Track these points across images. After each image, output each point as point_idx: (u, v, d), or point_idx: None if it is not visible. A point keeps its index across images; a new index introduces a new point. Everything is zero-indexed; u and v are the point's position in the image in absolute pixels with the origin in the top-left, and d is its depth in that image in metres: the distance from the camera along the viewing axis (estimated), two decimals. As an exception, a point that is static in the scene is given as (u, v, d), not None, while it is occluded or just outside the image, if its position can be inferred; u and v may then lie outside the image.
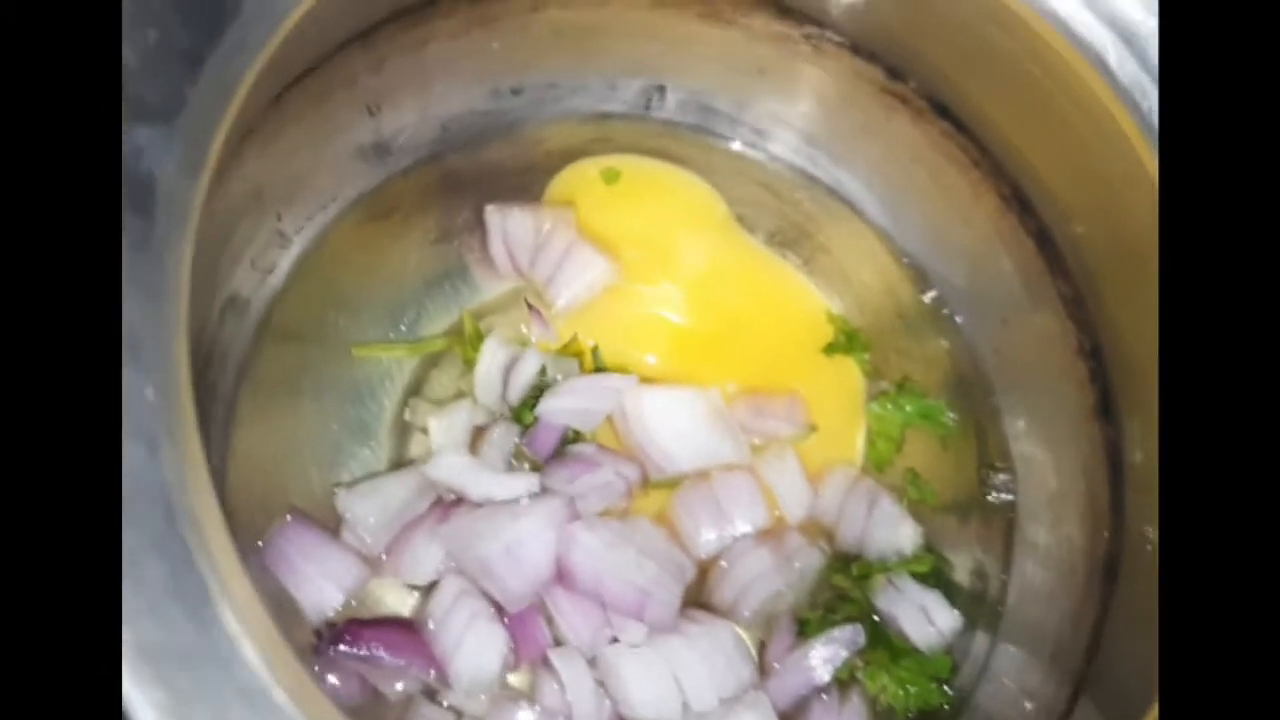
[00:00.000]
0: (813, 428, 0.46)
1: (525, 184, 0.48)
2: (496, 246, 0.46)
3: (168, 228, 0.26)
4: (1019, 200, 0.43)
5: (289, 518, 0.41)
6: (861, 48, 0.43)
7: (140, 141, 0.26)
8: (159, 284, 0.26)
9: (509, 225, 0.46)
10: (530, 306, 0.46)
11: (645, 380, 0.45)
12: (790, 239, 0.49)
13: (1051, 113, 0.37)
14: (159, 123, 0.26)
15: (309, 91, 0.40)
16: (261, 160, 0.39)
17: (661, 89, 0.48)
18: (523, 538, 0.40)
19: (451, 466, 0.42)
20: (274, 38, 0.29)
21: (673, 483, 0.44)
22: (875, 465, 0.46)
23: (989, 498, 0.47)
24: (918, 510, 0.46)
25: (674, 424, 0.44)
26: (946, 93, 0.43)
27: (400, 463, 0.45)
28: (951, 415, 0.47)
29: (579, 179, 0.48)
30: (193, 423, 0.27)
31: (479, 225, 0.47)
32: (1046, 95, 0.37)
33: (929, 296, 0.48)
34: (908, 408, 0.46)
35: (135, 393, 0.25)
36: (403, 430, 0.45)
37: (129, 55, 0.26)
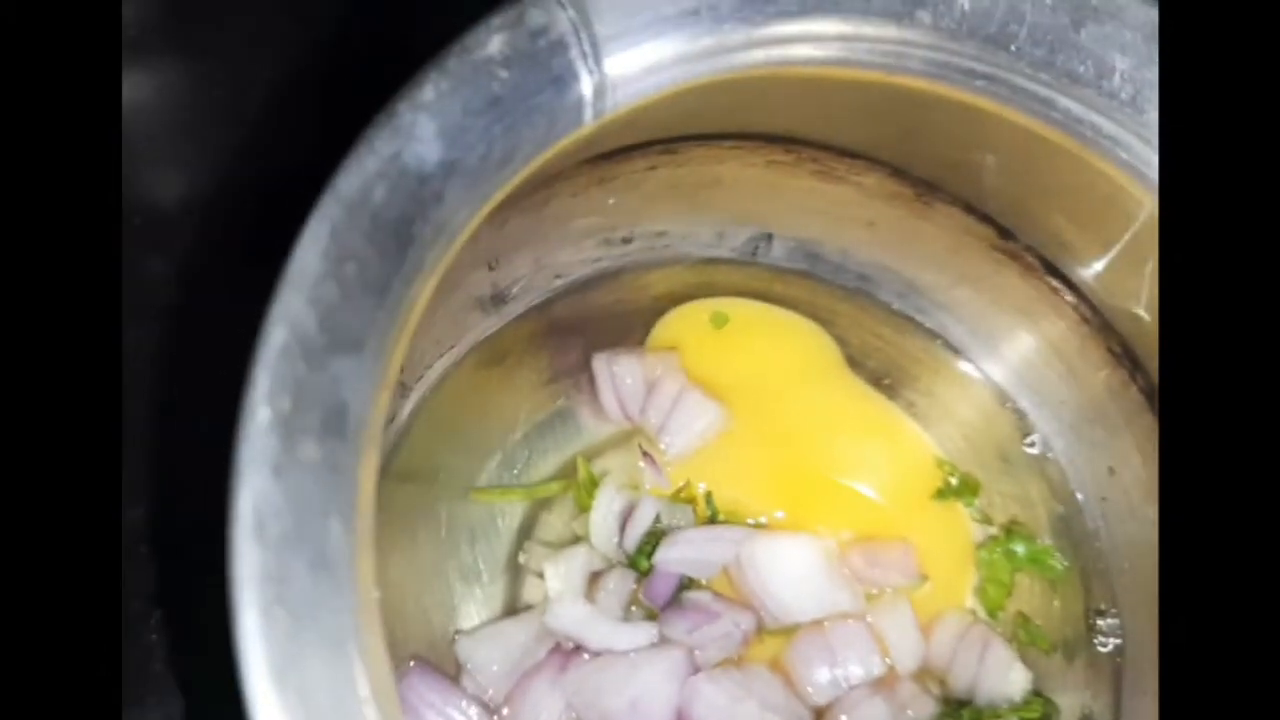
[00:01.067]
0: (925, 577, 0.46)
1: (631, 327, 0.49)
2: (606, 395, 0.47)
3: (359, 448, 0.28)
4: (1129, 358, 0.44)
5: (412, 664, 0.42)
6: (975, 208, 0.44)
7: (338, 372, 0.27)
8: (351, 505, 0.27)
9: (617, 373, 0.47)
10: (645, 454, 0.47)
11: (759, 527, 0.46)
12: (896, 382, 0.49)
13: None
14: (353, 351, 0.27)
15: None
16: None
17: (769, 237, 0.49)
18: (647, 691, 0.41)
19: (571, 616, 0.43)
20: (446, 258, 0.30)
21: (787, 630, 0.45)
22: (988, 611, 0.47)
23: (1096, 642, 0.47)
24: (1026, 654, 0.46)
25: (789, 573, 0.45)
26: (1057, 252, 0.44)
27: (514, 606, 0.45)
28: (1060, 559, 0.47)
29: (686, 322, 0.49)
30: (380, 641, 0.28)
31: (586, 368, 0.48)
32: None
33: (1033, 441, 0.49)
34: (1018, 551, 0.47)
35: (332, 610, 0.26)
36: (516, 573, 0.46)
37: (333, 289, 0.27)
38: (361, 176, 0.28)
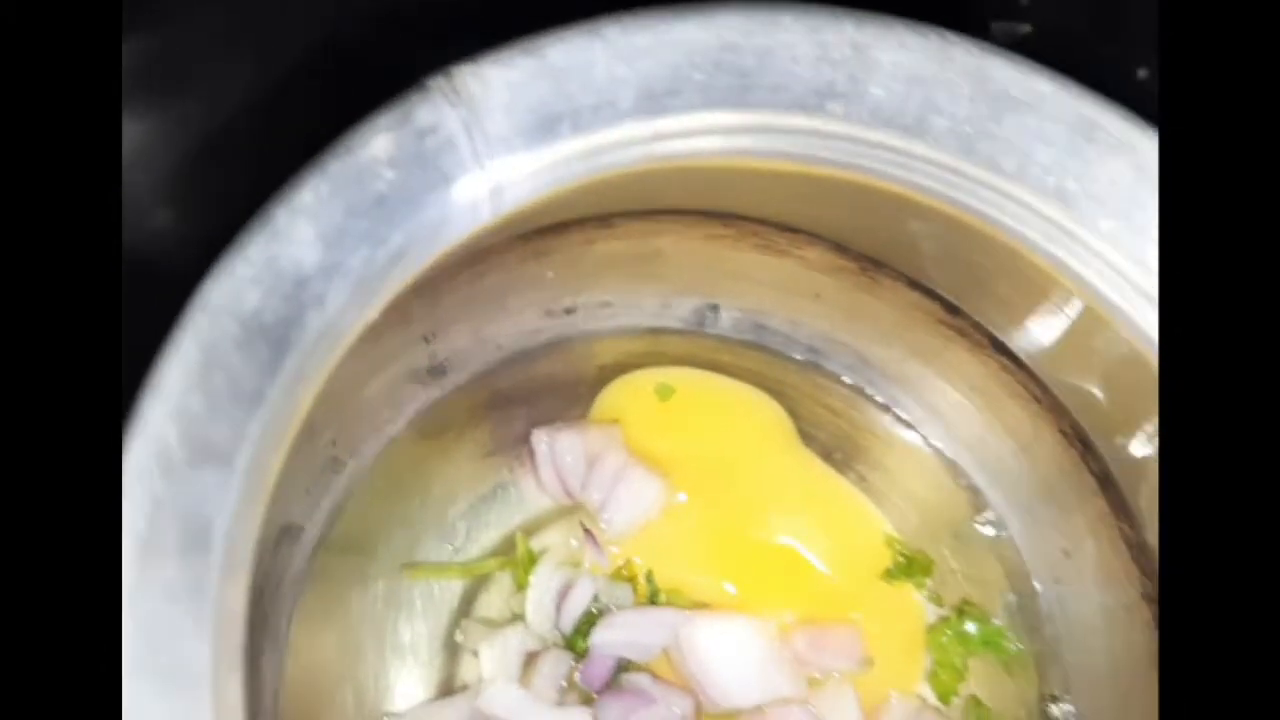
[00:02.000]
0: (870, 662, 0.45)
1: (577, 397, 0.48)
2: (546, 472, 0.46)
3: (225, 566, 0.27)
4: (1080, 440, 0.42)
5: (339, 752, 0.42)
6: (919, 284, 0.43)
7: (202, 487, 0.26)
8: (215, 623, 0.26)
9: (557, 449, 0.46)
10: (586, 532, 0.46)
11: (702, 605, 0.45)
12: (847, 455, 0.48)
13: (1112, 374, 0.37)
14: (220, 465, 0.27)
15: (364, 336, 0.41)
16: (317, 401, 0.40)
17: (715, 308, 0.48)
18: (576, 780, 0.40)
19: (504, 701, 0.42)
20: (331, 361, 0.29)
21: (727, 716, 0.44)
22: (940, 696, 0.45)
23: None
24: (983, 741, 0.45)
25: (730, 657, 0.44)
26: (1004, 330, 0.42)
27: (450, 685, 0.44)
28: (1015, 640, 0.46)
29: (630, 393, 0.48)
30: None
31: (529, 440, 0.47)
32: (1105, 361, 0.37)
33: (985, 519, 0.48)
34: (970, 633, 0.46)
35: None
36: (453, 651, 0.45)
37: (196, 402, 0.26)
38: (232, 283, 0.27)
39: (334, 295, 0.29)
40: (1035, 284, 0.37)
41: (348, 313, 0.29)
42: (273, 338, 0.28)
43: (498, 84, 0.30)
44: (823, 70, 0.32)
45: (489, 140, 0.30)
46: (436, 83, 0.29)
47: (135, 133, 0.54)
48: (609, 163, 0.32)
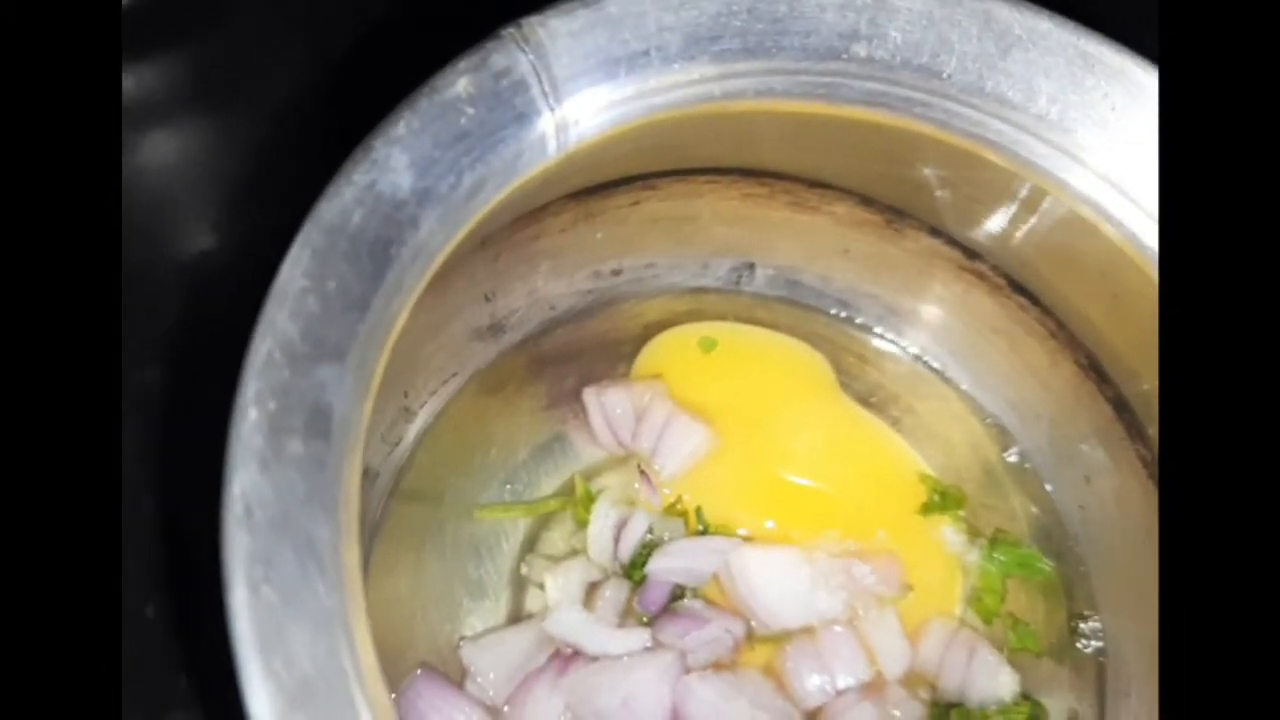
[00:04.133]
0: (909, 588, 0.48)
1: (624, 354, 0.52)
2: (599, 425, 0.50)
3: (341, 449, 0.31)
4: (1095, 369, 0.46)
5: (419, 672, 0.45)
6: (940, 231, 0.46)
7: (322, 378, 0.30)
8: (336, 499, 0.30)
9: (607, 404, 0.50)
10: (643, 473, 0.49)
11: (747, 539, 0.48)
12: (878, 401, 0.52)
13: (1120, 298, 0.40)
14: (336, 360, 0.31)
15: (434, 288, 0.44)
16: (394, 348, 0.44)
17: (751, 266, 0.52)
18: (639, 690, 0.44)
19: (569, 623, 0.46)
20: (424, 278, 0.33)
21: (778, 637, 0.47)
22: (983, 619, 0.48)
23: (1079, 645, 0.49)
24: (1015, 659, 0.47)
25: (776, 582, 0.47)
26: (1023, 273, 0.46)
27: (518, 616, 0.48)
28: (1048, 562, 0.49)
29: (673, 347, 0.52)
30: (364, 620, 0.30)
31: (580, 395, 0.51)
32: (1123, 289, 0.40)
33: (1012, 454, 0.51)
34: (1004, 559, 0.49)
35: (319, 597, 0.29)
36: (519, 585, 0.48)
37: (314, 304, 0.30)
38: (340, 204, 0.31)
39: (425, 218, 0.33)
40: (1043, 219, 0.41)
41: (436, 235, 0.33)
42: (375, 253, 0.32)
43: (562, 32, 0.34)
44: (847, 16, 0.36)
45: (555, 82, 0.34)
46: (509, 31, 0.34)
47: (192, 139, 0.59)
48: (660, 104, 0.36)
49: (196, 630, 0.45)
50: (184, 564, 0.47)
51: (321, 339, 0.30)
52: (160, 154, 0.58)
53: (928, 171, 0.41)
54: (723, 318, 0.52)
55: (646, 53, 0.35)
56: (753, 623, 0.47)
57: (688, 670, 0.45)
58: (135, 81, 0.58)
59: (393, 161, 0.32)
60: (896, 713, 0.46)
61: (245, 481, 0.28)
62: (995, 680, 0.47)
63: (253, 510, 0.28)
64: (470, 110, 0.33)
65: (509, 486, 0.50)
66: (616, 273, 0.51)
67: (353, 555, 0.31)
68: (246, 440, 0.29)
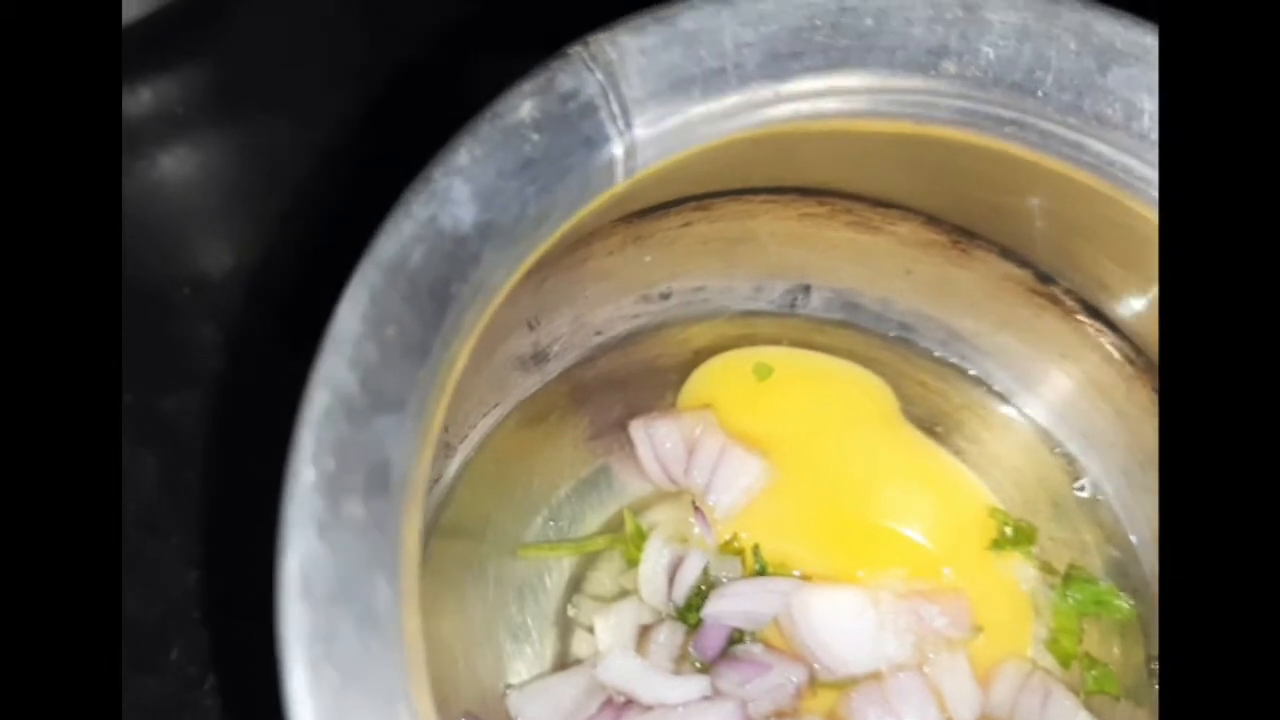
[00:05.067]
0: (979, 629, 0.45)
1: (672, 382, 0.50)
2: (648, 460, 0.47)
3: (400, 507, 0.28)
4: (1178, 397, 0.43)
5: (465, 722, 0.43)
6: (1011, 253, 0.44)
7: (381, 431, 0.28)
8: (396, 562, 0.28)
9: (656, 437, 0.47)
10: (697, 509, 0.47)
11: (808, 578, 0.46)
12: (942, 430, 0.49)
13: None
14: (395, 411, 0.28)
15: (482, 320, 0.42)
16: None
17: (806, 288, 0.49)
18: (699, 744, 0.41)
19: (623, 669, 0.43)
20: (484, 317, 0.30)
21: (842, 684, 0.45)
22: (1060, 661, 0.46)
23: (1157, 687, 0.46)
24: (1094, 701, 0.45)
25: (841, 625, 0.44)
26: (1097, 294, 0.44)
27: (564, 660, 0.45)
28: (1127, 598, 0.47)
29: (724, 374, 0.50)
30: (426, 691, 0.28)
31: (626, 425, 0.48)
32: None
33: (1083, 485, 0.48)
34: (1080, 597, 0.46)
35: (380, 666, 0.27)
36: (565, 627, 0.46)
37: (373, 351, 0.28)
38: (399, 240, 0.29)
39: (488, 253, 0.30)
40: (1134, 241, 0.39)
41: (498, 270, 0.31)
42: (435, 292, 0.29)
43: (632, 50, 0.31)
44: (936, 30, 0.33)
45: (625, 104, 0.31)
46: (576, 50, 0.31)
47: (213, 153, 0.57)
48: (736, 125, 0.33)
49: (253, 706, 0.43)
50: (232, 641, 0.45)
51: (381, 389, 0.28)
52: (180, 170, 0.56)
53: (1013, 194, 0.38)
54: (776, 342, 0.50)
55: (723, 70, 0.32)
56: (816, 667, 0.45)
57: (749, 719, 0.43)
58: (155, 97, 0.56)
59: (454, 193, 0.30)
60: (968, 762, 0.43)
61: (303, 550, 0.26)
62: (1072, 726, 0.44)
63: (312, 582, 0.26)
64: (535, 136, 0.31)
65: (552, 523, 0.48)
66: (665, 296, 0.49)
67: (414, 621, 0.28)
68: (304, 503, 0.26)
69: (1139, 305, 0.43)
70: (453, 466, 0.47)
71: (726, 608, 0.44)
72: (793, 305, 0.50)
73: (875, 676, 0.44)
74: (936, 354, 0.50)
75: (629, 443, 0.48)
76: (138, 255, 0.53)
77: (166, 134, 0.56)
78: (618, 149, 0.32)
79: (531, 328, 0.46)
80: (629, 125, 0.32)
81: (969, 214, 0.44)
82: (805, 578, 0.46)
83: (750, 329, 0.50)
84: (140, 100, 0.57)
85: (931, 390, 0.50)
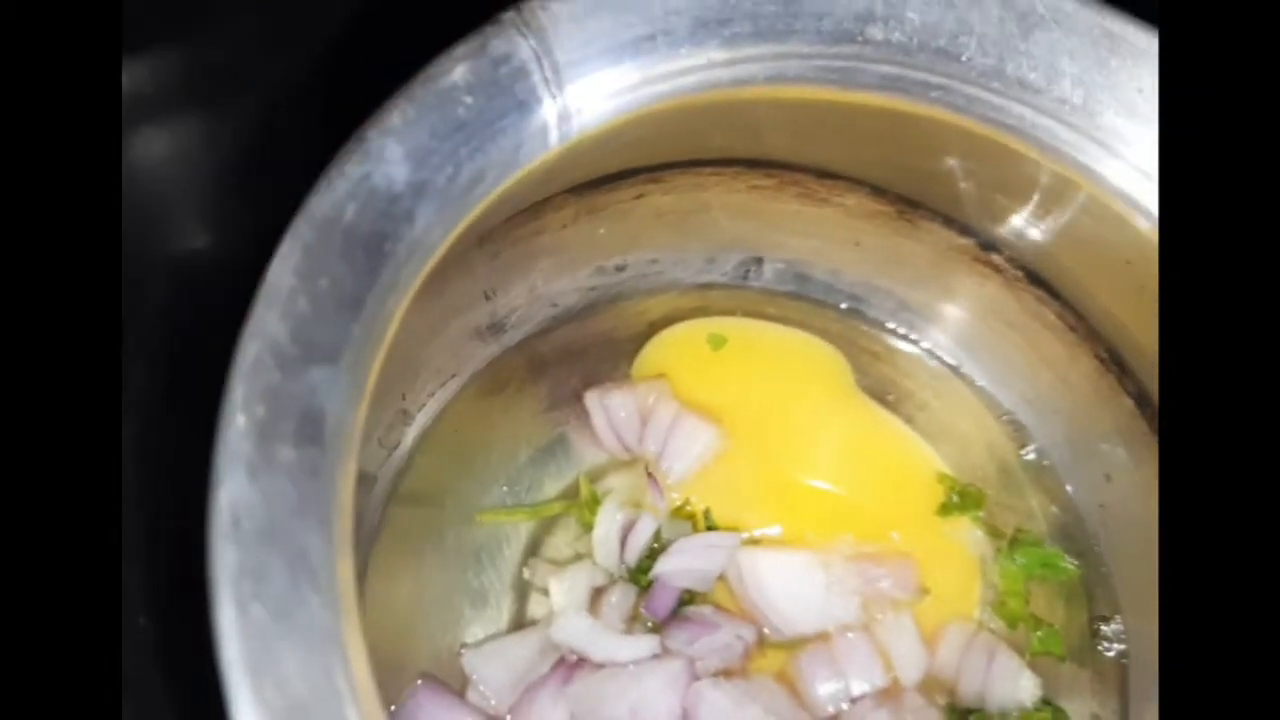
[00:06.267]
0: (926, 591, 0.46)
1: (627, 353, 0.51)
2: (603, 430, 0.48)
3: (335, 456, 0.29)
4: (1116, 362, 0.44)
5: (420, 682, 0.44)
6: (955, 221, 0.45)
7: (314, 381, 0.29)
8: (329, 509, 0.29)
9: (610, 407, 0.48)
10: (650, 476, 0.48)
11: (758, 543, 0.47)
12: (893, 398, 0.50)
13: (1147, 290, 0.39)
14: (328, 363, 0.29)
15: (432, 287, 0.43)
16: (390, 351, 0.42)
17: (759, 261, 0.50)
18: (647, 698, 0.42)
19: (575, 629, 0.44)
20: (420, 275, 0.31)
21: (790, 644, 0.46)
22: (1007, 623, 0.47)
23: (1101, 648, 0.47)
24: (1038, 662, 0.46)
25: (788, 586, 0.45)
26: (1041, 264, 0.44)
27: (521, 623, 0.46)
28: (1072, 561, 0.47)
29: (680, 343, 0.51)
30: (358, 637, 0.29)
31: (582, 396, 0.49)
32: (1150, 279, 0.39)
33: (1030, 452, 0.49)
34: (1026, 560, 0.47)
35: (311, 608, 0.28)
36: (522, 591, 0.47)
37: (305, 304, 0.29)
38: (332, 198, 0.30)
39: (422, 212, 0.31)
40: (1067, 206, 0.40)
41: (434, 229, 0.32)
42: (370, 249, 0.30)
43: (564, 17, 0.32)
44: (861, -4, 0.34)
45: (557, 68, 0.32)
46: (509, 16, 0.32)
47: (183, 136, 0.57)
48: (666, 91, 0.34)
49: (186, 646, 0.44)
50: (174, 575, 0.46)
51: (313, 340, 0.29)
52: (152, 151, 0.57)
53: (945, 160, 0.39)
54: (730, 314, 0.51)
55: (653, 37, 0.33)
56: (765, 629, 0.46)
57: (697, 678, 0.43)
58: (127, 78, 0.57)
59: (387, 153, 0.31)
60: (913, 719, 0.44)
61: (233, 491, 0.27)
62: (1016, 685, 0.45)
63: (240, 521, 0.27)
64: (468, 99, 0.32)
65: (510, 490, 0.48)
66: (620, 269, 0.50)
67: (347, 567, 0.29)
68: (234, 447, 0.27)
69: (1076, 271, 0.44)
70: (411, 435, 0.48)
71: (675, 565, 0.45)
72: (745, 277, 0.51)
73: (823, 637, 0.45)
74: (887, 324, 0.51)
75: (585, 412, 0.49)
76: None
77: (137, 116, 0.57)
78: (550, 112, 0.33)
79: (488, 298, 0.47)
80: (560, 89, 0.33)
81: (910, 184, 0.45)
82: (755, 542, 0.47)
83: (704, 301, 0.51)
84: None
85: (882, 360, 0.51)
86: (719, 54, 0.34)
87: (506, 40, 0.32)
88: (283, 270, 0.29)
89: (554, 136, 0.33)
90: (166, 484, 0.50)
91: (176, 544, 0.48)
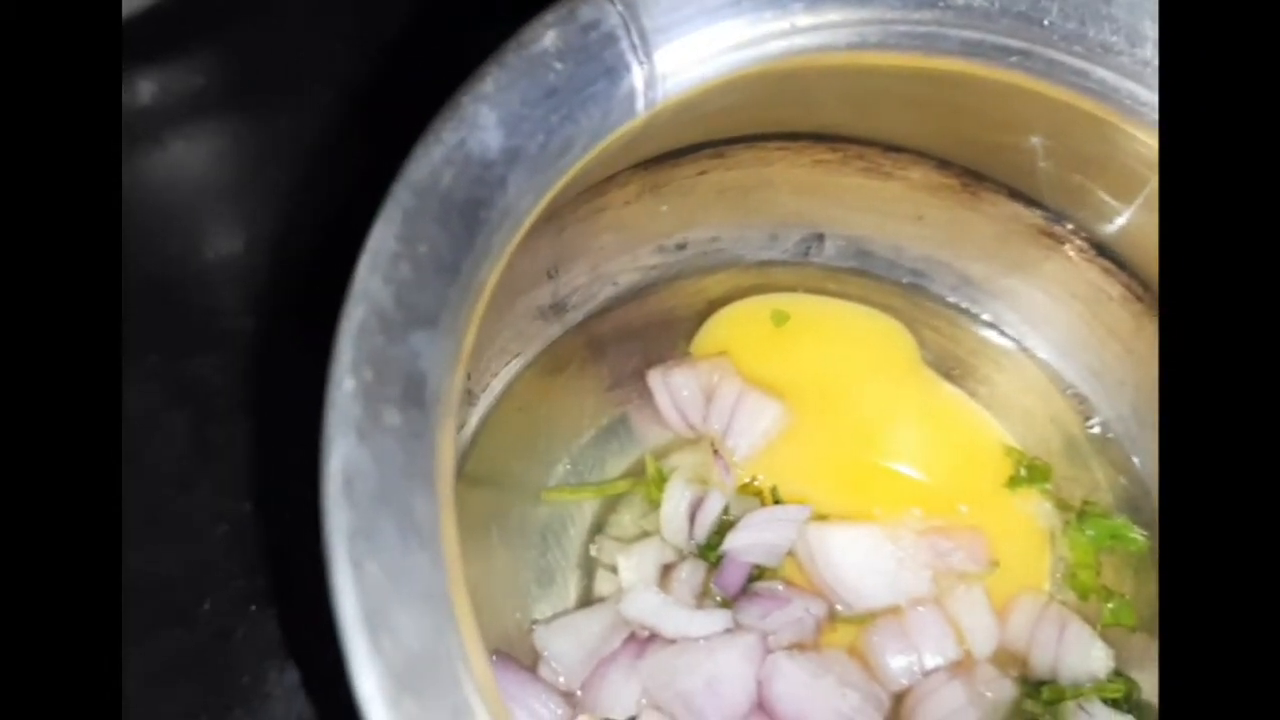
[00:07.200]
0: (996, 564, 0.46)
1: (688, 331, 0.51)
2: (667, 408, 0.48)
3: (437, 417, 0.29)
4: (1186, 331, 0.44)
5: (494, 659, 0.44)
6: (1021, 194, 0.45)
7: (416, 345, 0.29)
8: (432, 470, 0.29)
9: (673, 385, 0.48)
10: (716, 453, 0.48)
11: (825, 518, 0.47)
12: (957, 373, 0.50)
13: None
14: (428, 327, 0.29)
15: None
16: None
17: (820, 237, 0.50)
18: (722, 672, 0.42)
19: (646, 604, 0.44)
20: (512, 242, 0.31)
21: (861, 618, 0.46)
22: (1078, 594, 0.47)
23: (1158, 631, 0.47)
24: (1110, 633, 0.46)
25: (858, 560, 0.45)
26: (1106, 233, 0.44)
27: (588, 599, 0.46)
28: (1141, 531, 0.47)
29: (742, 320, 0.51)
30: (465, 595, 0.29)
31: (644, 374, 0.49)
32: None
33: (1094, 424, 0.49)
34: (1094, 532, 0.47)
35: (420, 567, 0.28)
36: (588, 569, 0.47)
37: (406, 268, 0.29)
38: (429, 164, 0.30)
39: (514, 179, 0.31)
40: (1138, 171, 0.39)
41: (525, 197, 0.32)
42: (465, 214, 0.30)
43: (651, -17, 0.33)
44: (944, -39, 0.34)
45: (644, 34, 0.32)
46: (597, -18, 0.32)
47: (220, 142, 0.58)
48: (750, 57, 0.34)
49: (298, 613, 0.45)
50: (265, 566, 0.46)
51: (415, 305, 0.29)
52: (195, 153, 0.57)
53: (1020, 130, 0.39)
54: (791, 290, 0.51)
55: (738, 3, 0.33)
56: (835, 604, 0.46)
57: (770, 651, 0.43)
58: (163, 84, 0.57)
59: (481, 119, 0.31)
60: (987, 692, 0.44)
61: (345, 453, 0.27)
62: (1088, 656, 0.45)
63: (353, 483, 0.27)
64: (559, 65, 0.32)
65: (574, 469, 0.49)
66: (681, 247, 0.50)
67: (450, 527, 0.29)
68: (343, 410, 0.27)
69: (1147, 241, 0.43)
70: (475, 416, 0.48)
71: (745, 540, 0.45)
72: (806, 254, 0.51)
73: (894, 611, 0.45)
74: (949, 299, 0.51)
75: (647, 391, 0.49)
76: (163, 234, 0.54)
77: (179, 121, 0.57)
78: (638, 79, 0.33)
79: (550, 277, 0.48)
80: (648, 55, 0.33)
81: (978, 156, 0.44)
82: (823, 518, 0.47)
83: (764, 278, 0.51)
84: (148, 89, 0.58)
85: (944, 335, 0.51)
86: (803, 19, 0.34)
87: (595, 6, 0.32)
88: (385, 235, 0.29)
89: (640, 103, 0.33)
90: (226, 462, 0.51)
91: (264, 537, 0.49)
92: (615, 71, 0.32)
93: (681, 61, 0.33)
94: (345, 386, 0.28)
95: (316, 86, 0.58)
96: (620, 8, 0.32)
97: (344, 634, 0.26)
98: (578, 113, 0.32)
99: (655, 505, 0.47)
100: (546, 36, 0.32)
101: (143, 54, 0.57)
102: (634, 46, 0.32)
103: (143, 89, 0.58)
